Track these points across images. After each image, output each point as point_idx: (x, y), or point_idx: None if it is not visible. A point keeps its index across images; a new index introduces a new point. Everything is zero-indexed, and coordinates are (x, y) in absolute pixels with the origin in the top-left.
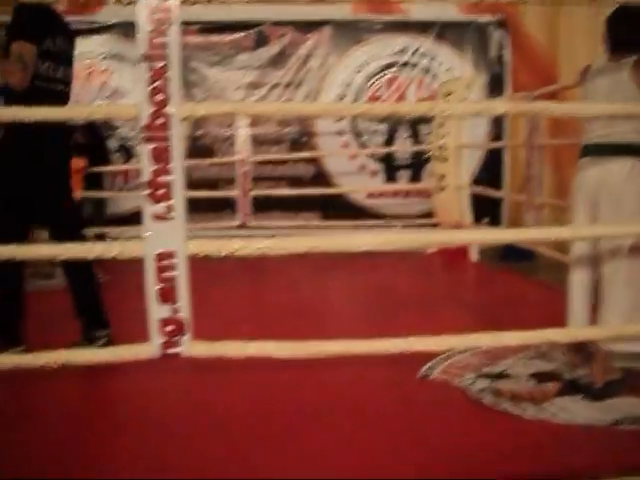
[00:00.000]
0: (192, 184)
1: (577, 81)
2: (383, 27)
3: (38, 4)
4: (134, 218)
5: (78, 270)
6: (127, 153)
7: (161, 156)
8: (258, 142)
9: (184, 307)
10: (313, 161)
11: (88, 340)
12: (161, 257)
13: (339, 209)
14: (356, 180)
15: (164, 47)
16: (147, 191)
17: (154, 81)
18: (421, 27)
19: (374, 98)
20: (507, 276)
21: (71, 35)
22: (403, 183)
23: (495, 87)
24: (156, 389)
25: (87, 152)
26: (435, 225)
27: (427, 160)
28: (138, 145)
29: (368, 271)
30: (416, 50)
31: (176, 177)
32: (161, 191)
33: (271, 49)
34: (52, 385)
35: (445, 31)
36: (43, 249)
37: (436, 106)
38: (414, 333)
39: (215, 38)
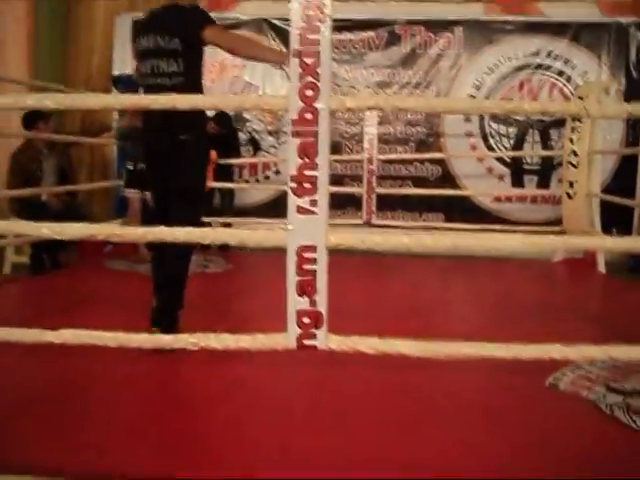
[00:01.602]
0: None
1: None
2: (516, 28)
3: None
4: (261, 210)
5: (182, 255)
6: (255, 146)
7: (308, 151)
8: (384, 141)
9: (322, 300)
10: (439, 162)
11: (171, 322)
12: (303, 250)
13: (463, 211)
14: (482, 183)
15: (316, 43)
16: (292, 184)
17: (304, 77)
18: (556, 28)
19: (505, 100)
20: (637, 288)
21: (171, 30)
22: (531, 188)
23: (633, 93)
24: (274, 376)
25: (219, 143)
26: (561, 233)
27: (557, 165)
28: (267, 138)
29: (491, 275)
30: (550, 52)
31: (321, 172)
32: (306, 185)
33: (402, 48)
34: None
35: (581, 32)
36: (191, 232)
37: (587, 106)
38: (540, 341)
39: (346, 36)
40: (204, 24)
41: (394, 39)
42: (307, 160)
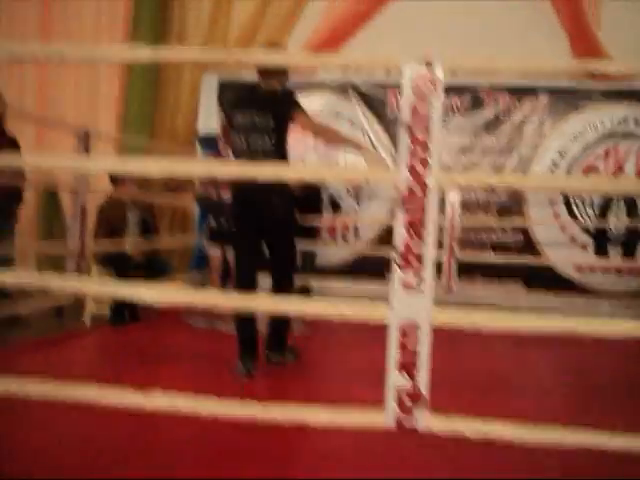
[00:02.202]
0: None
1: None
2: (602, 95)
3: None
4: (339, 272)
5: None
6: (335, 207)
7: (416, 227)
8: (466, 207)
9: (423, 380)
10: (521, 229)
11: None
12: (406, 328)
13: (545, 280)
14: (565, 252)
15: (427, 117)
16: (399, 260)
17: (414, 151)
18: None
19: (590, 168)
20: None
21: (264, 107)
22: (615, 258)
23: None
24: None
25: (302, 203)
26: None
27: None
28: (347, 200)
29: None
30: (638, 120)
31: (429, 249)
32: (413, 262)
33: (485, 113)
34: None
35: None
36: (280, 303)
37: None
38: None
39: None
40: (296, 109)
41: (478, 104)
42: (414, 236)
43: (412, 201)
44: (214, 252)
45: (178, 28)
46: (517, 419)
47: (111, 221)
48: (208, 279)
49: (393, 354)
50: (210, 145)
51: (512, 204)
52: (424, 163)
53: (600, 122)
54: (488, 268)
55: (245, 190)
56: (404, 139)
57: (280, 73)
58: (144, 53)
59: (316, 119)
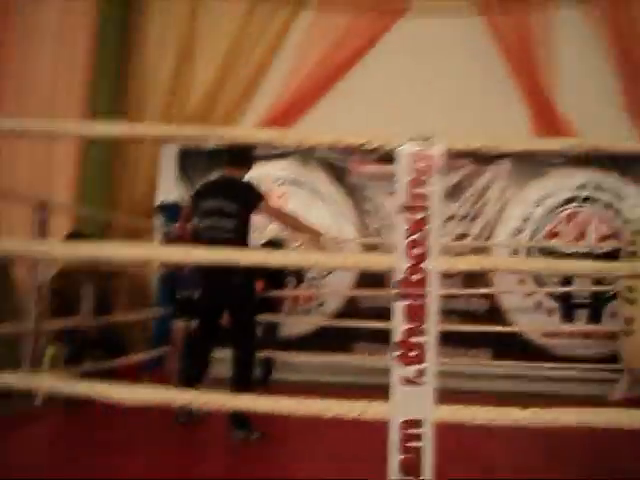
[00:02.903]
0: (361, 314)
1: None
2: (564, 161)
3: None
4: (301, 343)
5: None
6: (298, 278)
7: (416, 315)
8: None
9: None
10: (487, 296)
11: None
12: (407, 425)
13: (512, 347)
14: (531, 318)
15: (425, 198)
16: (398, 352)
17: (412, 234)
18: (605, 161)
19: (553, 233)
20: None
21: (229, 194)
22: (581, 323)
23: None
24: None
25: (269, 276)
26: (618, 371)
27: (608, 299)
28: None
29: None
30: (598, 185)
31: (430, 338)
32: (413, 353)
33: (448, 181)
34: None
35: (632, 165)
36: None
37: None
38: None
39: (392, 167)
40: (260, 199)
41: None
42: (414, 325)
43: (410, 286)
44: (178, 325)
45: (136, 95)
46: None
47: (64, 294)
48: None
49: (394, 455)
50: (170, 212)
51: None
52: (422, 246)
53: (562, 187)
54: (455, 337)
55: (207, 269)
56: (401, 221)
57: (246, 166)
58: (102, 129)
59: (277, 206)
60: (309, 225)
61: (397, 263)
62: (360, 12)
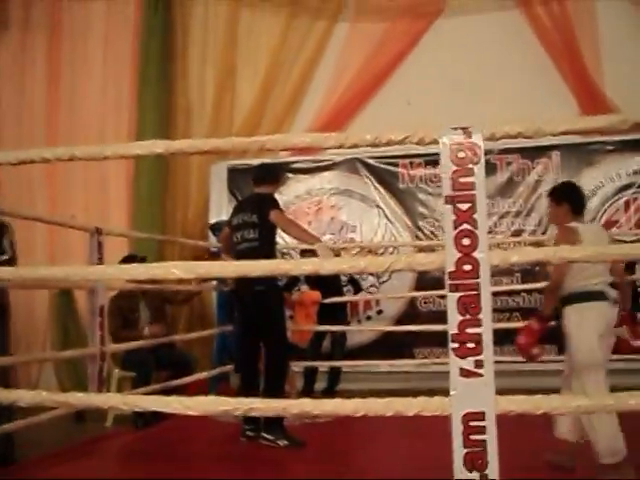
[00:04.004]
0: (422, 317)
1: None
2: (616, 147)
3: None
4: (364, 352)
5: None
6: (355, 286)
7: (469, 306)
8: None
9: (494, 474)
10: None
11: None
12: (469, 417)
13: None
14: None
15: (470, 187)
16: (454, 345)
17: (460, 224)
18: None
19: (611, 222)
20: None
21: (251, 208)
22: None
23: None
24: None
25: (321, 283)
26: None
27: None
28: (368, 277)
29: None
30: None
31: (486, 329)
32: (469, 345)
33: (498, 177)
34: None
35: None
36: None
37: None
38: None
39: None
40: (270, 209)
41: (490, 169)
42: (469, 316)
43: (462, 277)
44: None
45: (183, 117)
46: None
47: (124, 311)
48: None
49: (458, 449)
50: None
51: (535, 266)
52: (471, 236)
53: (616, 175)
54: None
55: (236, 281)
56: (448, 213)
57: (271, 182)
58: (154, 147)
59: (285, 217)
60: (312, 234)
61: (447, 254)
62: (396, 17)
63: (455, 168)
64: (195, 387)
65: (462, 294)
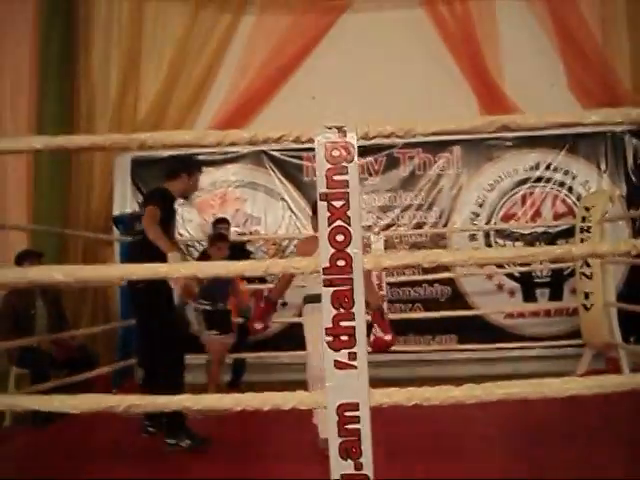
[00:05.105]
0: None
1: None
2: (514, 143)
3: None
4: (270, 344)
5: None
6: (261, 279)
7: (343, 300)
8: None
9: (368, 463)
10: (448, 282)
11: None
12: (344, 408)
13: (477, 331)
14: (494, 300)
15: (344, 185)
16: (328, 338)
17: (334, 221)
18: (553, 141)
19: (509, 215)
20: None
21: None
22: (543, 301)
23: (635, 198)
24: None
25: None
26: (581, 346)
27: (568, 276)
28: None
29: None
30: (549, 165)
31: (359, 322)
32: (343, 337)
33: (401, 171)
34: None
35: (578, 143)
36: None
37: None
38: None
39: None
40: (147, 203)
41: (393, 163)
42: (342, 310)
43: (336, 272)
44: (213, 338)
45: (85, 106)
46: None
47: (17, 310)
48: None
49: (333, 439)
50: (126, 224)
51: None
52: (345, 232)
53: (514, 170)
54: (420, 324)
55: None
56: (322, 210)
57: (173, 177)
58: (44, 142)
59: (149, 215)
60: (166, 242)
61: (321, 250)
62: (302, 11)
63: (329, 166)
64: (102, 382)
65: (336, 289)
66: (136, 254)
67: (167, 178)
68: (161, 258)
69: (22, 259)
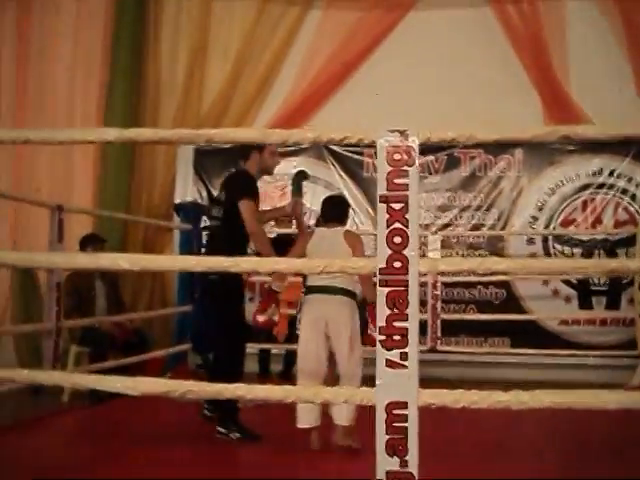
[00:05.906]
0: None
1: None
2: (577, 148)
3: None
4: None
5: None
6: None
7: (397, 301)
8: None
9: (413, 461)
10: (503, 285)
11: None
12: (393, 406)
13: (530, 335)
14: (548, 305)
15: (404, 188)
16: (381, 337)
17: (392, 223)
18: (617, 147)
19: (568, 221)
20: None
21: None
22: (599, 310)
23: None
24: None
25: None
26: (637, 357)
27: (626, 285)
28: None
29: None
30: (612, 171)
31: (412, 323)
32: (396, 337)
33: (462, 172)
34: None
35: None
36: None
37: None
38: None
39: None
40: (237, 197)
41: (454, 163)
42: (396, 310)
43: (392, 273)
44: None
45: (152, 97)
46: None
47: (79, 289)
48: None
49: (380, 436)
50: (187, 212)
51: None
52: (402, 235)
53: (575, 175)
54: (473, 326)
55: None
56: (381, 212)
57: (243, 157)
58: (115, 134)
59: (252, 215)
60: (268, 248)
61: (379, 250)
62: (369, 8)
63: (390, 169)
64: (155, 365)
65: (391, 289)
66: (217, 240)
67: (242, 160)
68: (240, 245)
69: (86, 243)
